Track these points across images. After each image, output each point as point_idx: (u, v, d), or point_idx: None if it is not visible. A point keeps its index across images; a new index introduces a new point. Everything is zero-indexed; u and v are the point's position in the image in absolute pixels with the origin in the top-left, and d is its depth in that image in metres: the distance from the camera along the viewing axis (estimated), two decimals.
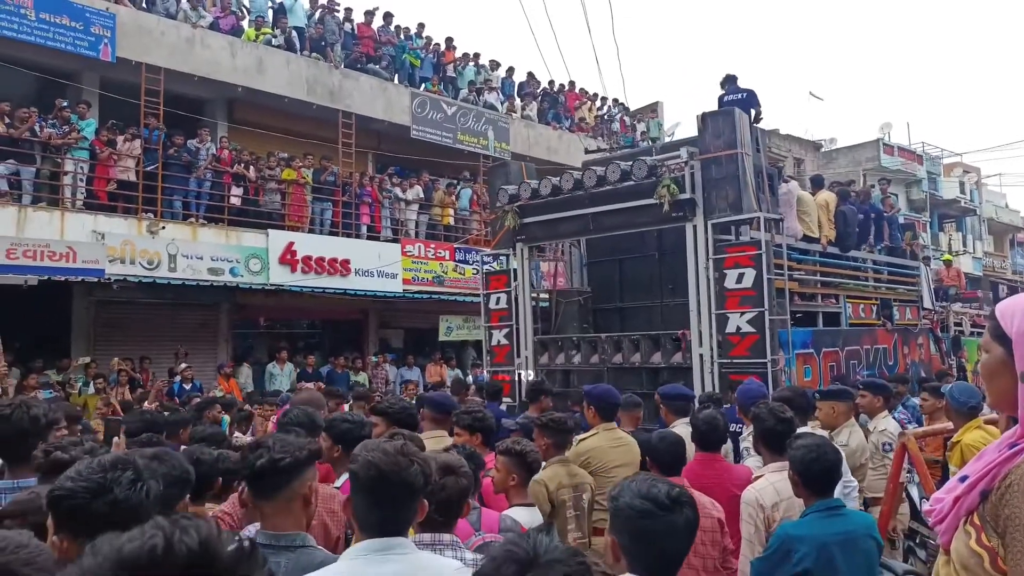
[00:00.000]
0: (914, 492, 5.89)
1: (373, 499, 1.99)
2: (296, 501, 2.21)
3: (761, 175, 8.01)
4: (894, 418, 6.14)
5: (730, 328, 7.30)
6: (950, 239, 29.71)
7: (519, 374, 8.84)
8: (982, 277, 30.66)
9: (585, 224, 8.56)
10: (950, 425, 4.63)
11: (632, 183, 7.88)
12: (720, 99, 9.50)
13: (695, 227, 7.66)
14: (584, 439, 4.56)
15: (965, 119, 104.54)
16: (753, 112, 8.92)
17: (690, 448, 4.09)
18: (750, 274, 7.23)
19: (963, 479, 1.43)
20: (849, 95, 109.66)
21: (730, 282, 7.33)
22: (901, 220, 13.19)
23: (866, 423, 5.93)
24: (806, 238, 9.23)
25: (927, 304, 11.75)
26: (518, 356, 8.95)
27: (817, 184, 10.30)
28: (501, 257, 9.65)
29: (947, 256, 19.94)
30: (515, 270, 9.17)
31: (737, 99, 9.11)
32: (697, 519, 2.01)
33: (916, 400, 6.94)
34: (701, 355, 7.49)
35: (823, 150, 30.74)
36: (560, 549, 1.48)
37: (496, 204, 9.28)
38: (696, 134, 8.35)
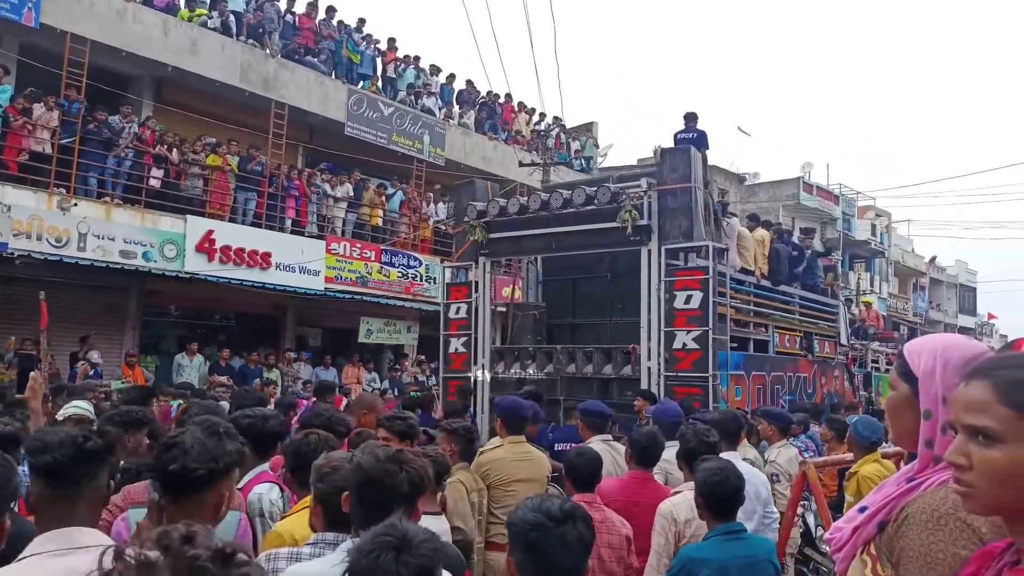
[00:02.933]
0: (810, 519, 6.11)
1: (361, 501, 2.12)
2: (206, 507, 2.09)
3: (709, 208, 8.71)
4: (794, 446, 6.34)
5: (677, 344, 8.04)
6: (859, 279, 31.02)
7: (475, 379, 9.35)
8: (886, 317, 32.13)
9: (548, 243, 9.20)
10: (850, 456, 4.80)
11: (594, 207, 8.50)
12: (675, 136, 10.30)
13: (649, 251, 8.32)
14: (487, 450, 4.56)
15: (881, 164, 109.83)
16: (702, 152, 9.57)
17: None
18: (697, 296, 7.98)
19: (862, 509, 1.49)
20: (775, 133, 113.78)
21: (679, 303, 8.08)
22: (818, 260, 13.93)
23: (764, 449, 6.12)
24: (743, 270, 9.88)
25: (843, 340, 12.67)
26: (475, 363, 9.47)
27: (754, 221, 11.05)
28: (462, 269, 10.06)
29: (867, 299, 21.11)
30: (476, 282, 9.66)
31: (690, 138, 9.87)
32: (592, 535, 2.02)
33: (818, 429, 7.21)
34: (649, 368, 8.16)
35: (746, 183, 31.72)
36: (423, 530, 1.56)
37: (464, 219, 9.73)
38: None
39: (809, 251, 12.30)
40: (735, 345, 9.03)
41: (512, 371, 9.40)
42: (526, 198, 9.22)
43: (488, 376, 9.36)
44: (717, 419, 4.57)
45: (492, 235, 9.46)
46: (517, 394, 6.82)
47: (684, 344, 7.94)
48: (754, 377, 9.31)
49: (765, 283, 10.41)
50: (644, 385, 8.01)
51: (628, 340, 8.70)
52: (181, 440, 2.10)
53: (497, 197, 9.78)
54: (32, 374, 3.89)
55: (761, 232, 10.62)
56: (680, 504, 3.56)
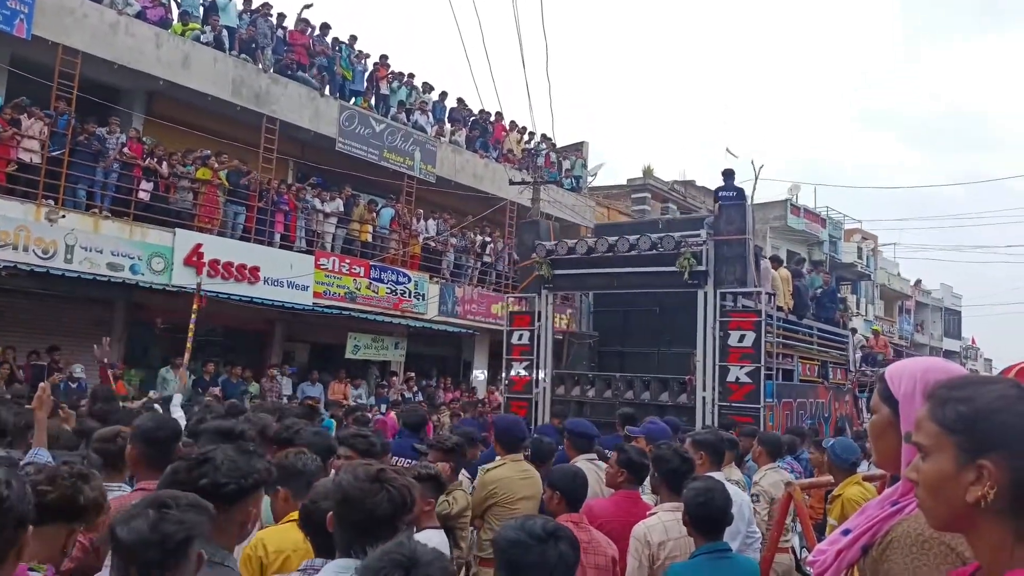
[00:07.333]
0: (795, 541, 6.09)
1: (341, 521, 2.06)
2: (232, 524, 2.09)
3: (754, 256, 9.65)
4: (780, 467, 6.33)
5: (730, 378, 8.97)
6: (846, 301, 31.14)
7: (536, 400, 10.32)
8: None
9: (609, 280, 10.19)
10: (831, 478, 4.80)
11: (654, 252, 9.47)
12: (716, 192, 11.31)
13: (705, 294, 9.24)
14: (492, 469, 4.55)
15: (867, 189, 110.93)
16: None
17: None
18: (750, 336, 8.96)
19: (846, 532, 1.49)
20: (763, 155, 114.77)
21: (733, 341, 9.04)
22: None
23: (753, 471, 6.11)
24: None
25: (851, 367, 13.78)
26: (536, 387, 10.44)
27: (777, 261, 12.18)
28: (524, 299, 11.22)
29: (876, 327, 21.62)
30: (539, 312, 10.67)
31: (731, 196, 10.76)
32: (574, 555, 2.03)
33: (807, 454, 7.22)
34: (704, 397, 9.05)
35: None
36: (431, 551, 1.56)
37: (531, 255, 10.81)
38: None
39: (826, 287, 13.50)
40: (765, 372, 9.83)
41: (572, 394, 10.29)
42: (593, 240, 10.33)
43: (549, 397, 10.31)
44: (709, 439, 4.56)
45: (556, 271, 10.48)
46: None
47: (737, 378, 8.88)
48: (783, 404, 10.02)
49: (791, 317, 11.37)
50: (699, 413, 8.87)
51: (676, 369, 9.72)
52: (212, 456, 2.12)
53: (556, 236, 11.01)
54: (41, 385, 3.83)
55: (784, 271, 11.82)
56: (654, 526, 3.53)
